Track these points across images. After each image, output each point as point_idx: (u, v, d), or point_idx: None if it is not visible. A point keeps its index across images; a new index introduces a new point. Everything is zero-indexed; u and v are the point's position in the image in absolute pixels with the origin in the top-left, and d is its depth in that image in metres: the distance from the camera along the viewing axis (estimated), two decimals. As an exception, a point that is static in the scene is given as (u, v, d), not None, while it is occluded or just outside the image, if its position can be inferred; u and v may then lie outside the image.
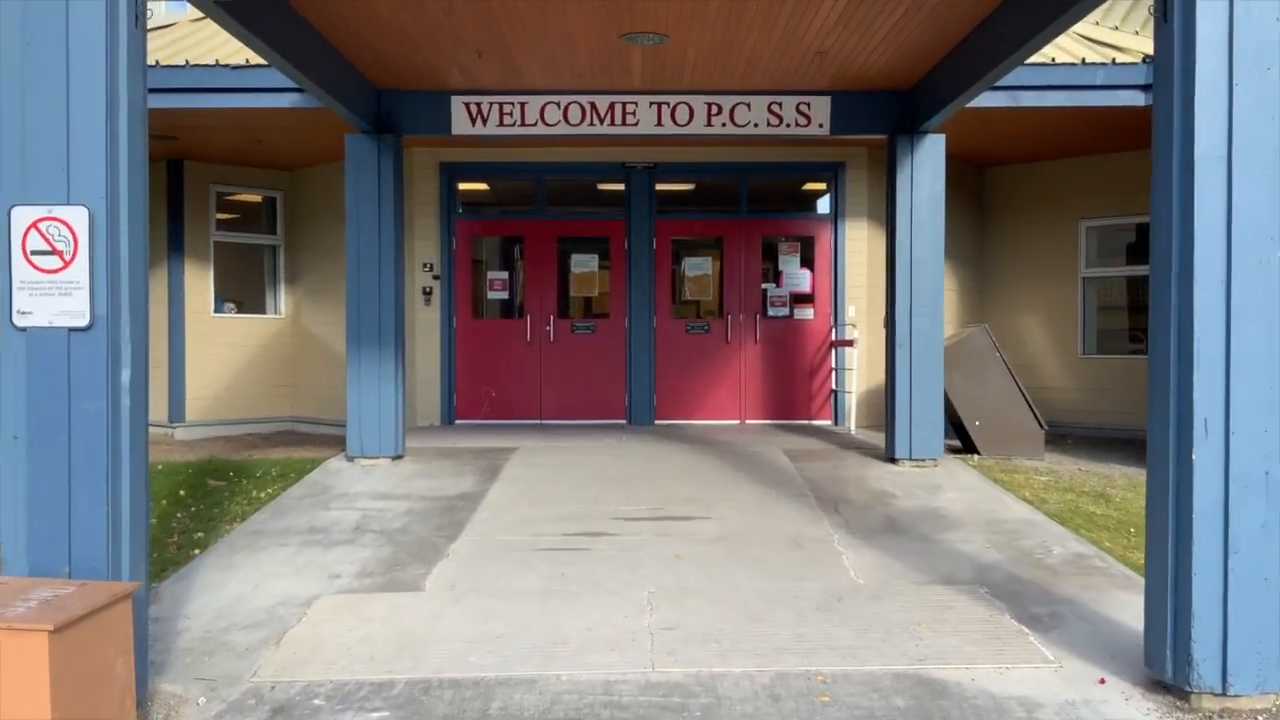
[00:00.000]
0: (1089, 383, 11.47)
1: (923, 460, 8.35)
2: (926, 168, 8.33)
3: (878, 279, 10.81)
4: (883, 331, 10.83)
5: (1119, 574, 5.72)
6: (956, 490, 7.62)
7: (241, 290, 12.60)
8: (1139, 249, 11.40)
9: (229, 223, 12.31)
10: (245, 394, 12.22)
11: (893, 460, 8.45)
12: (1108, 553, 6.19)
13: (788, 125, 8.47)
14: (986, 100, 8.62)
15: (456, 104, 8.47)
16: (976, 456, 9.31)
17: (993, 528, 6.60)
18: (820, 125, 8.47)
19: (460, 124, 8.49)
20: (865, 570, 5.71)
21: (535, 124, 8.48)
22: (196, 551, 6.30)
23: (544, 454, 8.95)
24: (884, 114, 8.46)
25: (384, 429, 8.41)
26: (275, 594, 5.46)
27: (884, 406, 11.01)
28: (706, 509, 6.98)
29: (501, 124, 8.48)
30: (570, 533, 6.45)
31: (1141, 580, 5.58)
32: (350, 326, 8.41)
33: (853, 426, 10.24)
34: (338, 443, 9.70)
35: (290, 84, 8.06)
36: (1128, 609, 5.11)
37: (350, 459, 8.49)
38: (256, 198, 12.44)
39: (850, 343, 10.49)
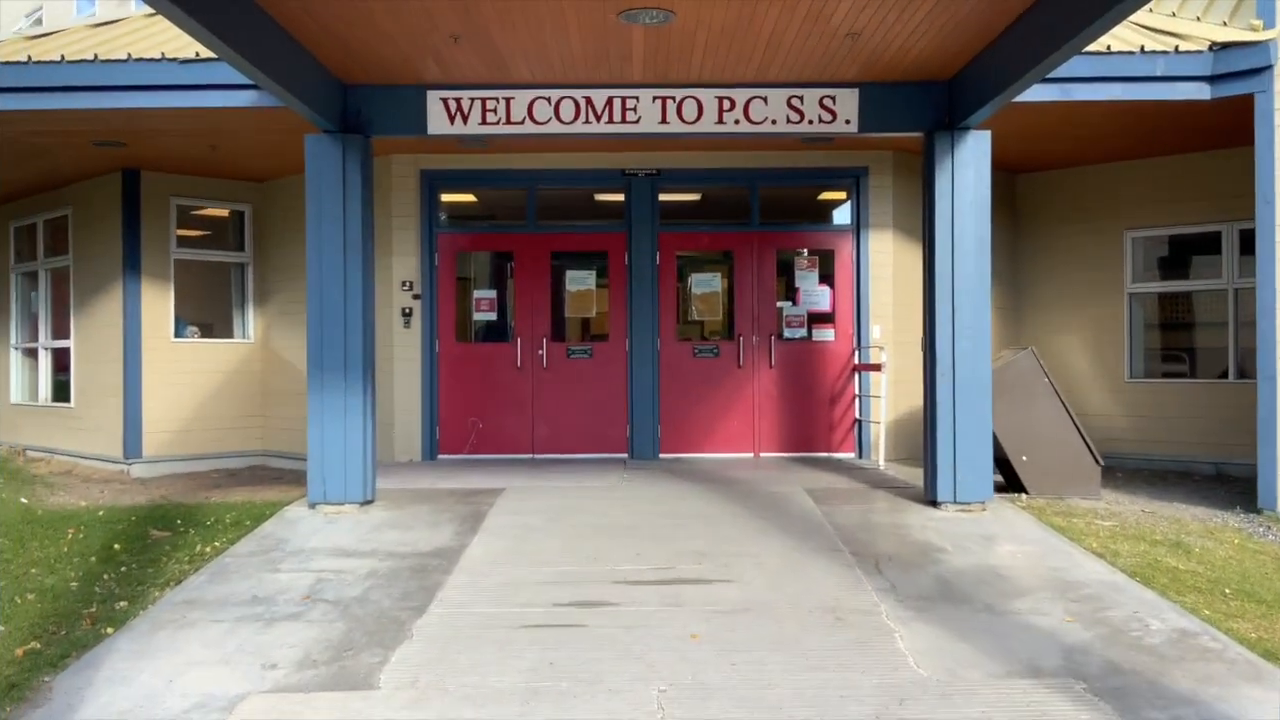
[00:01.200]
0: (1138, 409, 10.40)
1: (969, 504, 7.27)
2: (969, 169, 7.29)
3: (905, 296, 9.77)
4: (912, 354, 9.80)
5: (1238, 659, 4.63)
6: (1014, 542, 6.54)
7: (206, 312, 11.55)
8: (1192, 261, 10.35)
9: (192, 239, 11.27)
10: (211, 427, 11.14)
11: (933, 503, 7.37)
12: (1210, 623, 5.10)
13: (810, 122, 7.43)
14: (1034, 94, 7.63)
15: (433, 100, 7.44)
16: (1024, 496, 8.23)
17: (1069, 592, 5.51)
18: (847, 121, 7.43)
19: (437, 122, 7.45)
20: (926, 656, 4.62)
21: (523, 121, 7.44)
22: (109, 630, 5.20)
23: (535, 496, 7.87)
24: (920, 108, 7.43)
25: (350, 471, 7.32)
26: (193, 692, 4.36)
27: (917, 439, 9.92)
28: (724, 568, 5.89)
29: (484, 122, 7.44)
30: (562, 602, 5.37)
31: (1269, 668, 4.53)
32: (311, 354, 7.35)
33: (881, 461, 9.15)
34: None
35: (246, 80, 7.03)
36: (1263, 709, 4.04)
37: (313, 506, 7.41)
38: (222, 211, 11.41)
39: (876, 367, 9.42)
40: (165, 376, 10.83)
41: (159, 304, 10.82)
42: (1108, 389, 10.58)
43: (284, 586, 5.74)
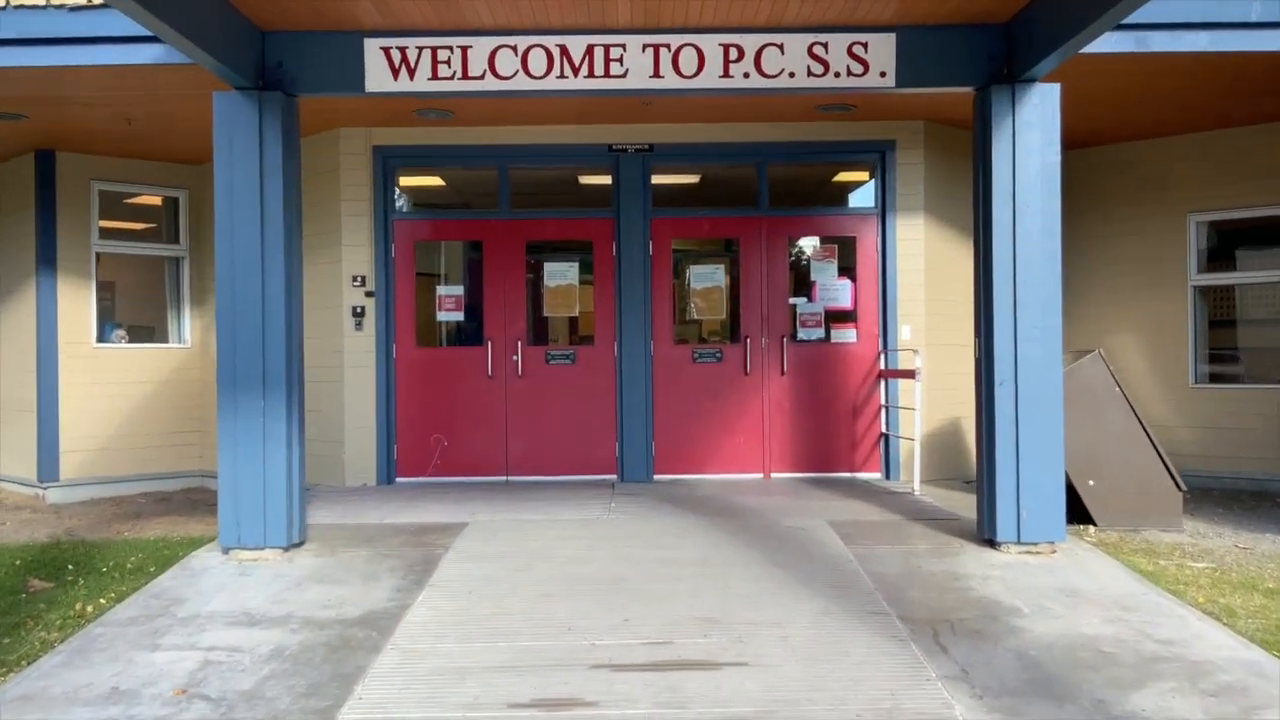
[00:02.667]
0: (1204, 419, 9.02)
1: (1035, 545, 5.89)
2: (1035, 131, 5.90)
3: (940, 290, 8.40)
4: (948, 357, 8.43)
5: None
6: (1103, 599, 5.15)
7: (136, 314, 10.15)
8: (1269, 249, 8.98)
9: (119, 230, 9.85)
10: (140, 444, 9.72)
11: (991, 543, 5.99)
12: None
13: (837, 74, 6.05)
14: (1104, 44, 6.27)
15: (371, 49, 6.04)
16: (1092, 529, 6.87)
17: (1200, 681, 4.12)
18: (882, 74, 6.05)
19: (378, 77, 6.05)
20: (1035, 798, 3.23)
21: (483, 76, 6.05)
22: (-102, 750, 3.80)
23: (503, 534, 6.47)
24: (972, 56, 6.04)
25: (271, 511, 5.92)
26: None
27: (954, 457, 8.59)
28: (739, 644, 4.50)
29: (435, 76, 6.05)
30: (521, 701, 3.97)
31: None
32: (222, 367, 5.94)
33: (916, 485, 7.76)
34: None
35: (146, 30, 5.62)
36: None
37: (226, 551, 6.00)
38: (154, 199, 9.98)
39: (909, 374, 8.03)
40: (86, 387, 9.41)
41: (78, 304, 9.40)
42: (1168, 396, 9.20)
43: (157, 673, 4.33)
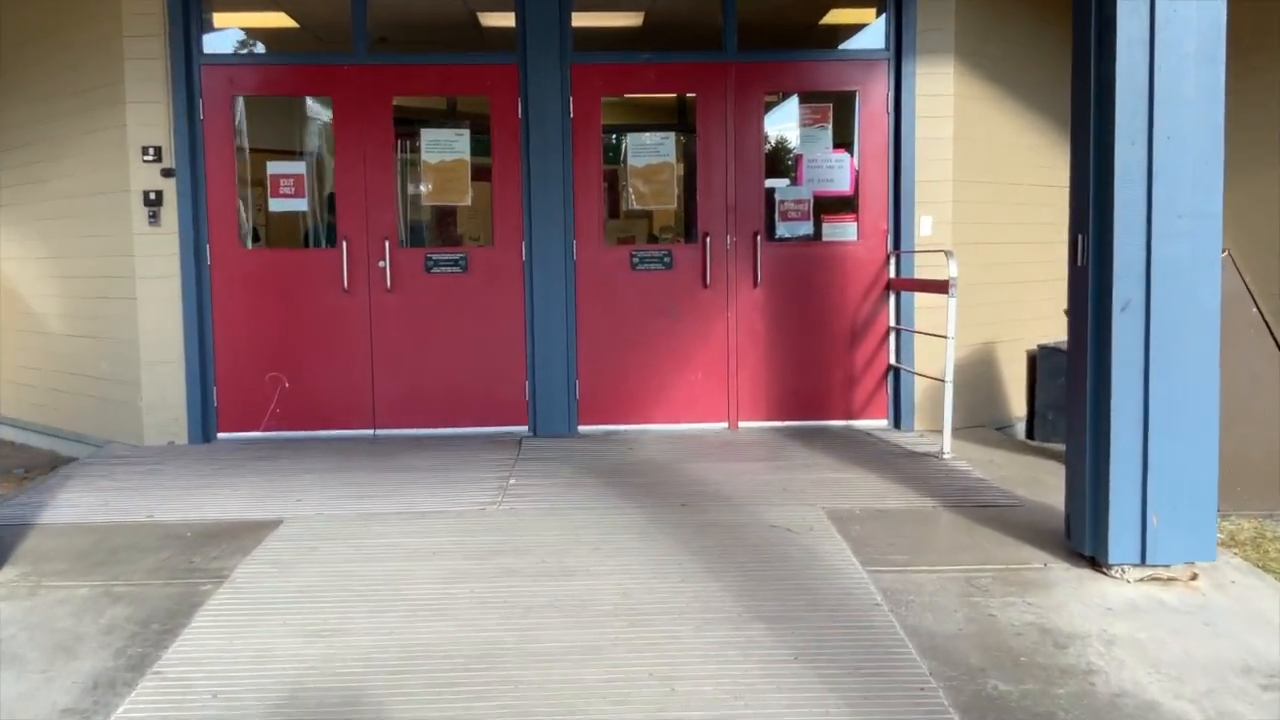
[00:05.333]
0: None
1: (1168, 568, 3.66)
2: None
3: (975, 168, 6.07)
4: (979, 260, 6.14)
5: None
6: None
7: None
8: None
9: None
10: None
11: (1093, 563, 3.75)
12: None
13: None
14: None
15: None
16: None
17: None
18: None
19: None
20: None
21: None
22: None
23: (326, 548, 4.12)
24: None
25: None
26: None
27: (984, 399, 6.35)
28: None
29: None
30: None
31: None
32: None
33: (947, 444, 5.48)
34: (47, 466, 5.01)
35: None
36: None
37: None
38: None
39: (934, 285, 5.69)
40: None
41: None
42: None
43: None
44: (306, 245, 6.42)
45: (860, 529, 4.24)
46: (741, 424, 6.29)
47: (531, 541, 4.14)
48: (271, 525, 4.41)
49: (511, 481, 5.08)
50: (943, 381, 5.55)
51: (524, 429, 6.23)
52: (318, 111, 6.60)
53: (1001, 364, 6.53)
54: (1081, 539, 3.80)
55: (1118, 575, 3.68)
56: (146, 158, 5.95)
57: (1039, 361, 6.58)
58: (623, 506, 4.61)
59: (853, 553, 3.94)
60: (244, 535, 4.30)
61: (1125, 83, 3.54)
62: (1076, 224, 3.80)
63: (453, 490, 4.93)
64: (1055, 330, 6.90)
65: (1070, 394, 3.90)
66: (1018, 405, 6.73)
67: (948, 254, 5.41)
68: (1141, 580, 3.66)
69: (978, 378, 6.36)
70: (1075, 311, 3.82)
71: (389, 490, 4.95)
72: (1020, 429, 6.73)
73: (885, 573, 3.74)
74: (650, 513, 4.50)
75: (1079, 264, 3.76)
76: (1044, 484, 4.94)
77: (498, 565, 3.86)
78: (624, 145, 6.37)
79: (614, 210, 6.52)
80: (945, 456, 5.40)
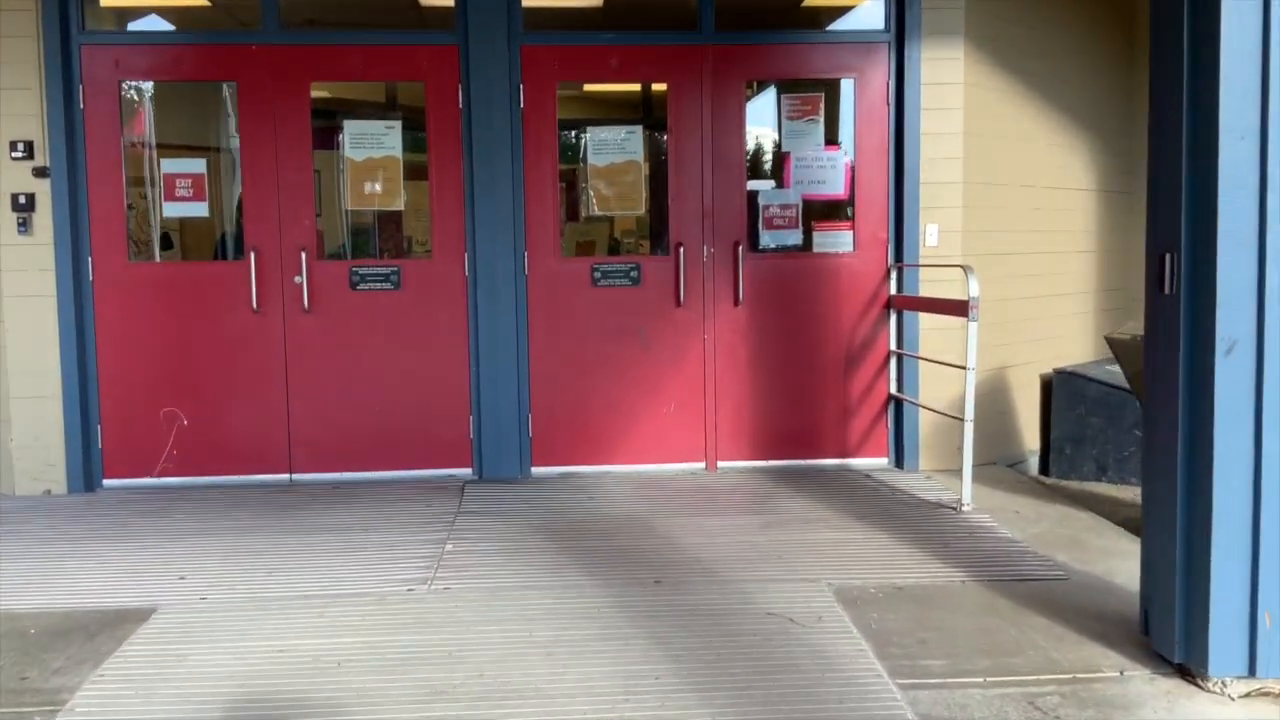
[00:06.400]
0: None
1: (1281, 678, 2.86)
2: None
3: (985, 168, 5.27)
4: (992, 274, 5.34)
5: None
6: None
7: None
8: None
9: None
10: None
11: (1186, 673, 2.95)
12: None
13: None
14: None
15: None
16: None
17: None
18: None
19: None
20: None
21: None
22: None
23: (195, 657, 3.21)
24: None
25: None
26: None
27: (999, 432, 5.55)
28: None
29: None
30: None
31: None
32: None
33: (967, 494, 4.65)
34: None
35: None
36: None
37: None
38: None
39: (945, 306, 4.88)
40: None
41: None
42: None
43: None
44: (208, 258, 5.47)
45: (880, 617, 3.41)
46: (721, 464, 5.44)
47: (468, 642, 3.25)
48: (141, 616, 3.49)
49: (448, 547, 4.19)
50: (952, 417, 4.74)
51: (468, 472, 5.33)
52: (229, 99, 5.65)
53: (1014, 391, 5.76)
54: (1168, 641, 2.99)
55: (1217, 690, 2.88)
56: (15, 154, 4.98)
57: (1055, 388, 5.82)
58: (583, 584, 3.74)
59: (876, 655, 3.10)
60: (102, 632, 3.37)
61: (1232, 59, 2.74)
62: (1161, 240, 2.98)
63: (376, 561, 4.03)
64: (1070, 351, 6.16)
65: (1148, 453, 3.10)
66: (1030, 437, 5.96)
67: (967, 269, 4.59)
68: (1248, 696, 2.87)
69: (989, 407, 5.57)
70: (1158, 348, 3.02)
71: (297, 562, 4.04)
72: (1034, 463, 5.97)
73: (922, 688, 2.91)
74: (616, 594, 3.64)
75: (1168, 291, 2.94)
76: (1086, 545, 4.15)
77: (419, 683, 2.96)
78: (584, 141, 5.50)
79: (572, 216, 5.65)
80: (965, 509, 4.59)
